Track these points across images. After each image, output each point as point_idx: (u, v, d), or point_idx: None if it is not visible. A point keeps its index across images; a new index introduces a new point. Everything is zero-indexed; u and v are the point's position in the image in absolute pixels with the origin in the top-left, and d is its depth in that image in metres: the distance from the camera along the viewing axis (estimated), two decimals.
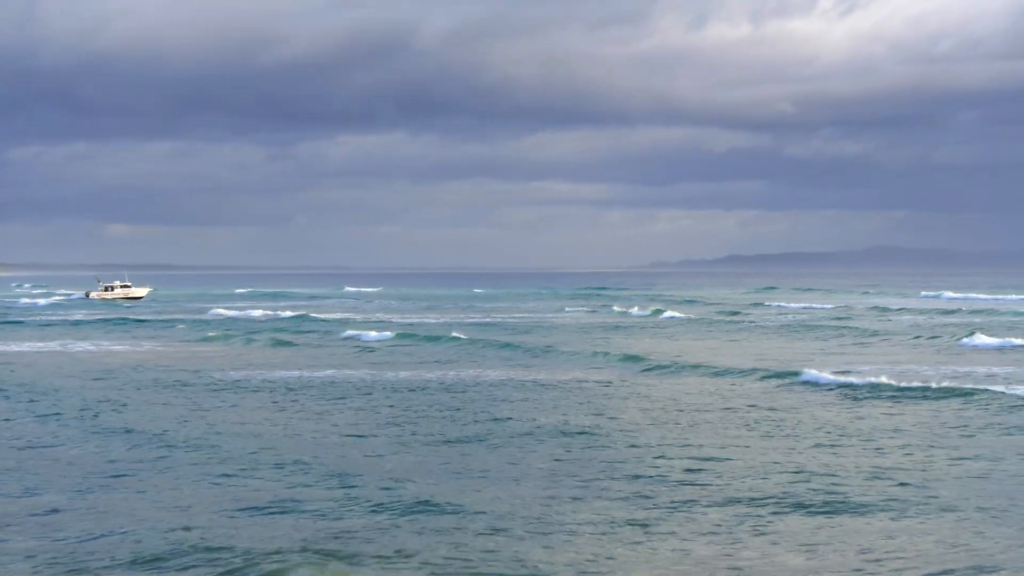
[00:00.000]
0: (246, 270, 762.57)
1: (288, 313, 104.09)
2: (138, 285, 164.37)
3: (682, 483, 23.48)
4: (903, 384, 41.00)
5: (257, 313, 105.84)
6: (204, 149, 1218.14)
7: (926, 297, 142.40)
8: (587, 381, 44.67)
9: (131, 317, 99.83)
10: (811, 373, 43.83)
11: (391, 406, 37.02)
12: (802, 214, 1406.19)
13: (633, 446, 28.37)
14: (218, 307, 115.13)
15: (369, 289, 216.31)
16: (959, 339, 64.36)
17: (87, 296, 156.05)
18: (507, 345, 62.21)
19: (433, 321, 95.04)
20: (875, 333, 72.72)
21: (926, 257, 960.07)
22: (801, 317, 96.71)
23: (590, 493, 22.51)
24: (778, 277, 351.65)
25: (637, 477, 24.24)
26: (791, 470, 24.92)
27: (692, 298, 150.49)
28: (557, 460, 26.48)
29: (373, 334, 72.09)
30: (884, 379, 42.96)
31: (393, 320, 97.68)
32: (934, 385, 40.05)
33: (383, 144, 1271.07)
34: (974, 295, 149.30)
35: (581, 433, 30.55)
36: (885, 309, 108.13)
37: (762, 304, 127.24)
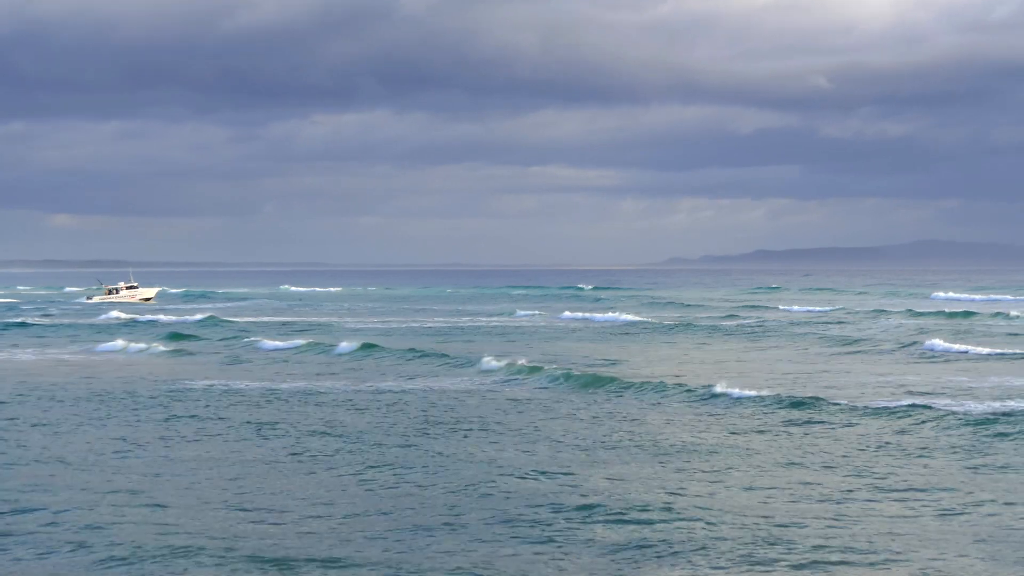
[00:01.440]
0: (206, 267, 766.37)
1: (197, 316, 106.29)
2: (145, 285, 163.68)
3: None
4: (816, 398, 42.08)
5: (161, 317, 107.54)
6: (160, 129, 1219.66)
7: (937, 299, 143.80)
8: (454, 391, 46.48)
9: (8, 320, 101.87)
10: (721, 388, 44.99)
11: (242, 420, 38.42)
12: (840, 203, 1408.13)
13: (488, 463, 29.61)
14: (116, 310, 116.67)
15: (325, 289, 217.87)
16: (919, 346, 66.08)
17: (89, 299, 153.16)
18: (412, 352, 64.14)
19: (358, 326, 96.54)
20: (844, 340, 74.01)
21: (980, 252, 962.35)
22: (782, 321, 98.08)
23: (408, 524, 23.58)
24: (799, 276, 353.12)
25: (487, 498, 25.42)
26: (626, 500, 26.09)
27: (676, 300, 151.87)
28: (369, 488, 27.67)
29: (270, 342, 73.58)
30: (796, 392, 44.38)
31: (334, 322, 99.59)
32: (858, 405, 41.40)
33: (363, 123, 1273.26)
34: (997, 295, 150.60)
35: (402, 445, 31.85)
36: (881, 312, 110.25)
37: (753, 306, 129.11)
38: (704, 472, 28.80)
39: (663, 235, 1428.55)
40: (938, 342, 65.45)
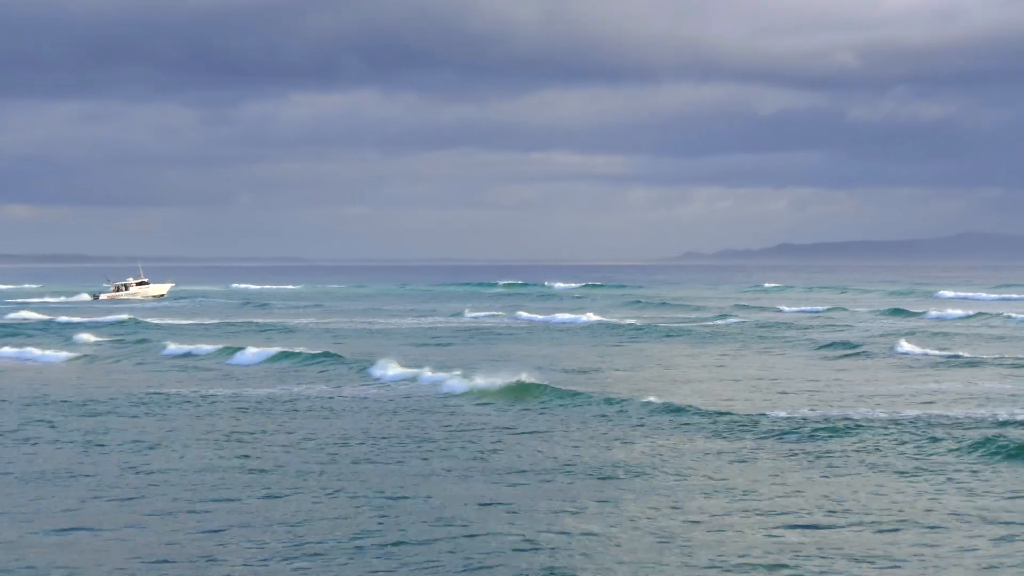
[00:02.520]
0: (174, 262, 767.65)
1: (109, 317, 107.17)
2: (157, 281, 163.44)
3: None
4: (746, 413, 41.86)
5: (77, 318, 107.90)
6: (122, 111, 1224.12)
7: (942, 298, 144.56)
8: (337, 400, 47.25)
9: None
10: (648, 399, 44.70)
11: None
12: (870, 193, 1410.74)
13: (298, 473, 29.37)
14: (27, 310, 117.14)
15: (282, 287, 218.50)
16: (889, 350, 66.78)
17: (95, 299, 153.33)
18: (322, 357, 65.40)
19: (295, 327, 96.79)
20: (814, 343, 74.25)
21: None
22: (766, 322, 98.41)
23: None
24: (816, 272, 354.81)
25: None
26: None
27: (663, 299, 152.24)
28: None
29: (175, 347, 73.85)
30: (724, 403, 44.46)
31: (271, 323, 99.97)
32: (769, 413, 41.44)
33: (348, 105, 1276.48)
34: (1012, 295, 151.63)
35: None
36: (873, 313, 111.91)
37: (744, 306, 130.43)
38: (578, 498, 28.35)
39: (676, 227, 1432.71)
40: (907, 345, 66.27)
